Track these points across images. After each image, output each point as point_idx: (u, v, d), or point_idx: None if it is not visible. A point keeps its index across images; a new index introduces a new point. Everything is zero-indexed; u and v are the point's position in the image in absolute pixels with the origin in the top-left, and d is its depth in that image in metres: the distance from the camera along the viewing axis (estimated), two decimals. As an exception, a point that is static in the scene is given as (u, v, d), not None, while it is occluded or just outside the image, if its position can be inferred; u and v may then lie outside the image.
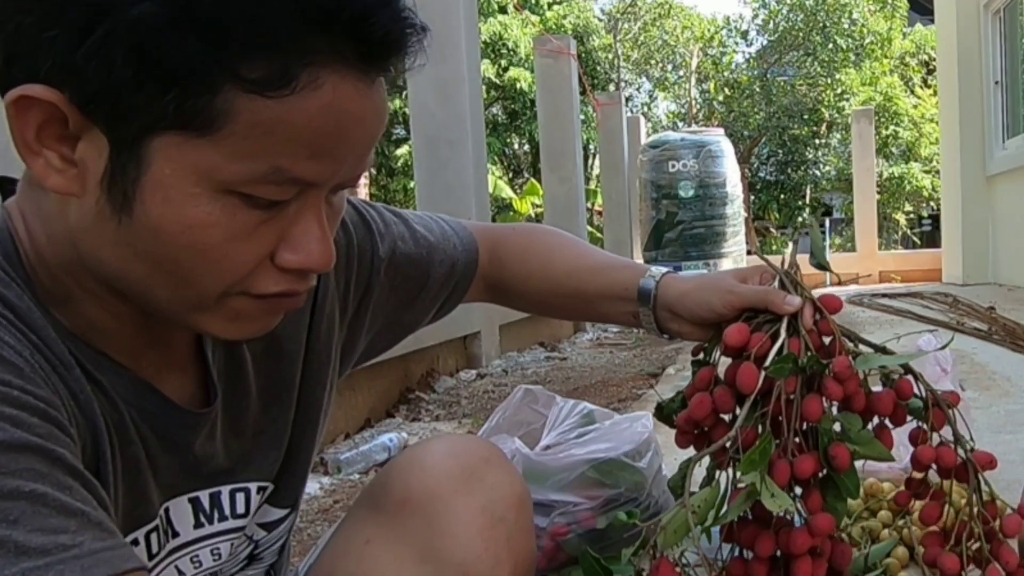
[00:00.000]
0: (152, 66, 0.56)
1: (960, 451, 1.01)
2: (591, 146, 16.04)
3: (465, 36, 4.71)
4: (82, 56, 0.56)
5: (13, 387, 0.55)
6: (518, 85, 15.87)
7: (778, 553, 0.88)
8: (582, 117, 9.22)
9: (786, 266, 0.97)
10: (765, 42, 19.57)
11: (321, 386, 0.85)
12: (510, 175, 18.99)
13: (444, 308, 1.03)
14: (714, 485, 0.86)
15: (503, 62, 16.15)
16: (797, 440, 0.86)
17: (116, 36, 0.55)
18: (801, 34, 18.53)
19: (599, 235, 13.31)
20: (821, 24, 18.26)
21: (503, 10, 16.33)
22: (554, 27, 16.59)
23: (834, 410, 0.90)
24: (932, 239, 17.07)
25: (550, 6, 18.06)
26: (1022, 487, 1.44)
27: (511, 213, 16.29)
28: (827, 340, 0.89)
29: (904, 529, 1.55)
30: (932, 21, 11.07)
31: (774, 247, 18.66)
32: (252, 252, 0.63)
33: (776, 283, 0.94)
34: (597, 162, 13.95)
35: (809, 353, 0.86)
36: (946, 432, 1.00)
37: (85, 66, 0.56)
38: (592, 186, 14.92)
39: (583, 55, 15.47)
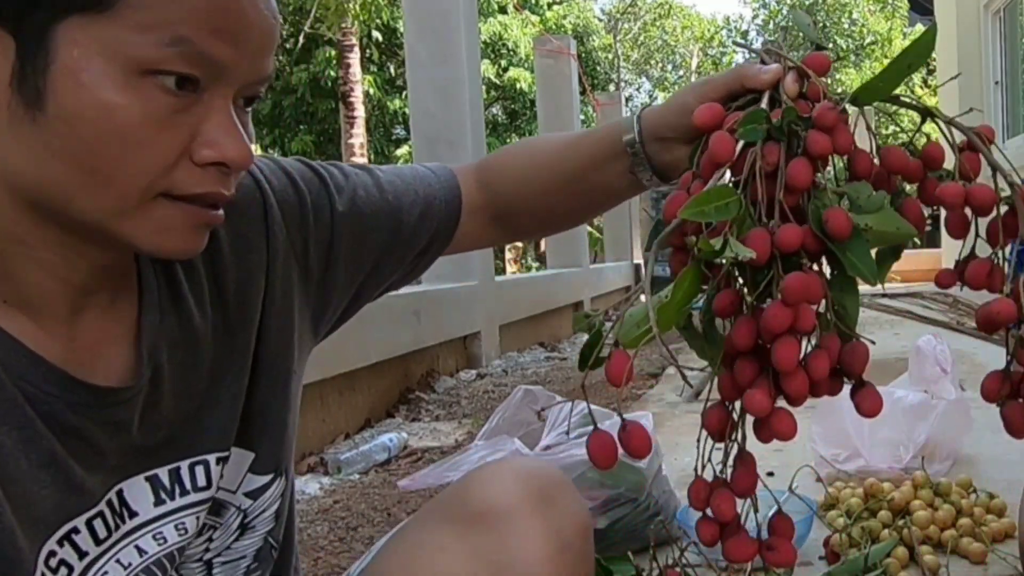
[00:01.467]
0: None
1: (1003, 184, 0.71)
2: (591, 146, 16.02)
3: (465, 36, 4.71)
4: None
5: None
6: (518, 85, 15.87)
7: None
8: (582, 117, 9.21)
9: (775, 45, 0.81)
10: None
11: (283, 350, 0.83)
12: (510, 175, 18.98)
13: (430, 251, 0.97)
14: (681, 274, 0.72)
15: (503, 62, 16.15)
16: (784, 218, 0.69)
17: None
18: (801, 34, 18.55)
19: (599, 235, 13.31)
20: (821, 24, 18.27)
21: (503, 10, 16.33)
22: (554, 27, 16.59)
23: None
24: (932, 239, 17.06)
25: (550, 6, 18.06)
26: (1022, 487, 1.44)
27: (511, 213, 16.28)
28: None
29: (904, 529, 1.55)
30: (932, 21, 11.07)
31: (774, 247, 18.69)
32: (168, 142, 0.61)
33: (759, 62, 0.81)
34: (597, 162, 13.94)
35: (786, 107, 0.71)
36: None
37: None
38: (592, 186, 14.91)
39: (583, 55, 15.47)
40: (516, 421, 1.76)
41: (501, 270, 15.56)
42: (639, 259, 10.42)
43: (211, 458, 0.77)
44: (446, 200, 0.96)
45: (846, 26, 18.36)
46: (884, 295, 7.40)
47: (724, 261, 0.69)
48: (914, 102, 0.76)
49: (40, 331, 0.66)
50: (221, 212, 0.67)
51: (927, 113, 0.73)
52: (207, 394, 0.77)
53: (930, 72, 16.95)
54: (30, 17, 0.57)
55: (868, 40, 18.34)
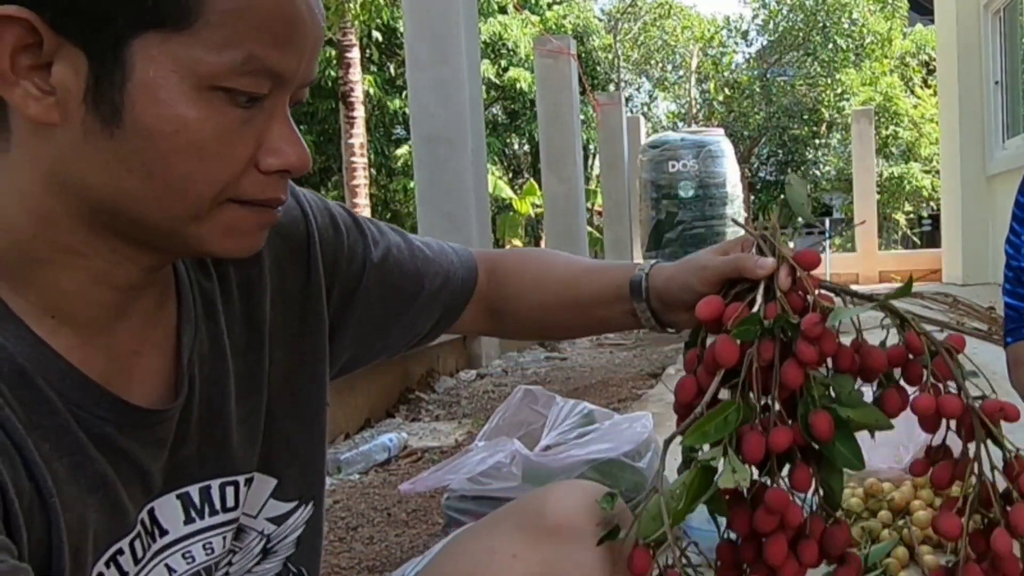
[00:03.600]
0: None
1: (965, 398, 0.83)
2: (591, 146, 16.04)
3: (465, 36, 4.71)
4: None
5: None
6: (518, 85, 15.88)
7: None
8: (582, 117, 9.22)
9: (769, 232, 0.88)
10: (765, 42, 19.58)
11: (313, 382, 0.85)
12: (510, 175, 19.00)
13: (437, 326, 1.01)
14: (692, 467, 0.79)
15: (503, 62, 16.15)
16: (780, 416, 0.78)
17: None
18: (801, 34, 18.54)
19: (599, 235, 13.31)
20: (821, 24, 18.27)
21: (503, 10, 16.33)
22: (554, 27, 16.59)
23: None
24: (932, 239, 17.07)
25: (550, 6, 18.06)
26: (1022, 487, 1.44)
27: (511, 213, 16.29)
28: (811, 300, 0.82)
29: (904, 529, 1.55)
30: (932, 21, 11.07)
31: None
32: (239, 152, 0.63)
33: (755, 249, 0.87)
34: (597, 162, 13.95)
35: (783, 314, 0.79)
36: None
37: None
38: (592, 186, 14.92)
39: (583, 55, 15.47)
40: (516, 421, 1.76)
41: (501, 270, 15.54)
42: (639, 259, 10.43)
43: (241, 479, 0.78)
44: (463, 279, 1.00)
45: (846, 26, 18.33)
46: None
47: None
48: (895, 308, 0.86)
49: (83, 344, 0.66)
50: (280, 212, 0.70)
51: (903, 320, 0.85)
52: (234, 412, 0.77)
53: (930, 72, 16.95)
54: (104, 33, 0.58)
55: (868, 40, 18.32)
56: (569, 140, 7.61)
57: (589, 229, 10.57)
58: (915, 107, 17.80)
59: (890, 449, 1.99)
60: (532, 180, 16.59)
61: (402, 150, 15.21)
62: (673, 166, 9.74)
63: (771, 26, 19.20)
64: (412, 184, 7.55)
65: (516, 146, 18.99)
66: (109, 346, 0.68)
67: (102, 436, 0.66)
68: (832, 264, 10.83)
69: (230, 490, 0.77)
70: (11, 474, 0.59)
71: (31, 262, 0.64)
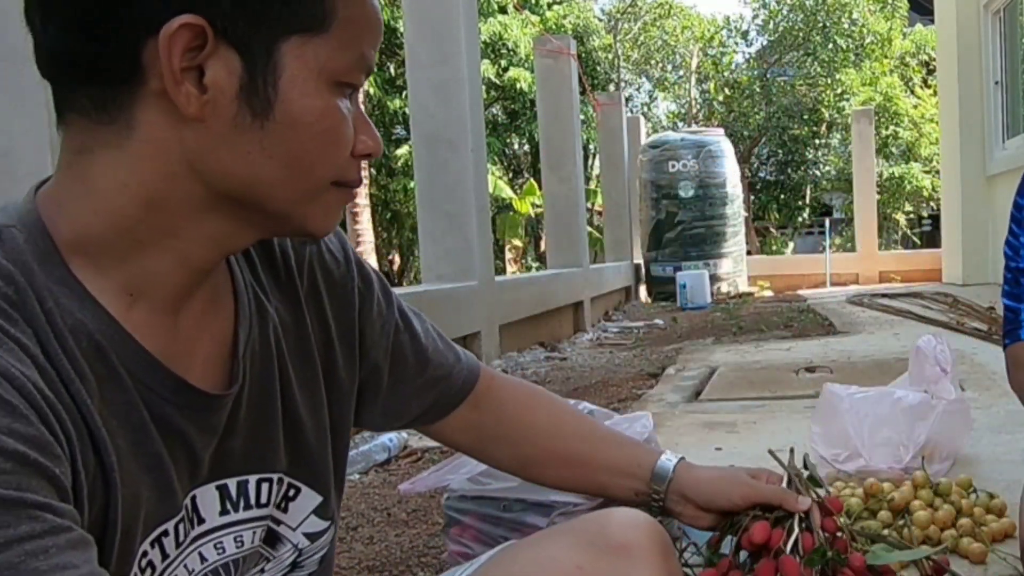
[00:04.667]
0: None
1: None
2: (591, 146, 16.04)
3: (465, 36, 4.71)
4: None
5: None
6: (518, 85, 15.87)
7: None
8: (582, 117, 9.22)
9: (794, 466, 1.11)
10: (765, 42, 19.57)
11: (346, 411, 0.91)
12: (510, 175, 18.99)
13: (424, 416, 1.04)
14: None
15: (503, 62, 16.15)
16: None
17: None
18: (801, 34, 18.54)
19: (599, 235, 13.31)
20: (821, 24, 18.26)
21: (503, 10, 16.32)
22: (554, 27, 16.58)
23: None
24: (932, 239, 17.06)
25: (550, 6, 18.05)
26: (1022, 487, 1.44)
27: (511, 213, 16.28)
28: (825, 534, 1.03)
29: (904, 529, 1.55)
30: (932, 21, 11.07)
31: (773, 247, 18.67)
32: (350, 138, 0.73)
33: (784, 482, 1.08)
34: (597, 162, 13.95)
35: (834, 549, 1.00)
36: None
37: None
38: (592, 186, 14.92)
39: (583, 55, 15.47)
40: (516, 421, 1.76)
41: (501, 270, 15.57)
42: (639, 259, 10.42)
43: (274, 477, 0.82)
44: (464, 379, 1.05)
45: (846, 26, 18.32)
46: (884, 295, 7.40)
47: None
48: None
49: (153, 323, 0.71)
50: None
51: None
52: (275, 412, 0.81)
53: (930, 72, 16.95)
54: (258, 36, 0.66)
55: (868, 40, 18.32)
56: (569, 140, 7.61)
57: (589, 229, 10.57)
58: (915, 107, 17.80)
59: (890, 449, 1.99)
60: (532, 180, 16.59)
61: (402, 150, 15.20)
62: (673, 166, 9.75)
63: (771, 26, 19.19)
64: (412, 184, 7.55)
65: (516, 146, 18.99)
66: (175, 327, 0.73)
67: (163, 416, 0.70)
68: (832, 264, 10.83)
69: (265, 487, 0.81)
70: (80, 447, 0.62)
71: (128, 244, 0.69)
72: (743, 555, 1.04)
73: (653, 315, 7.76)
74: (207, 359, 0.75)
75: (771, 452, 1.27)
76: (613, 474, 1.10)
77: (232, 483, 0.78)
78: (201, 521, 0.76)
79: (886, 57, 18.40)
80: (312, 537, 0.87)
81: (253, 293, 0.80)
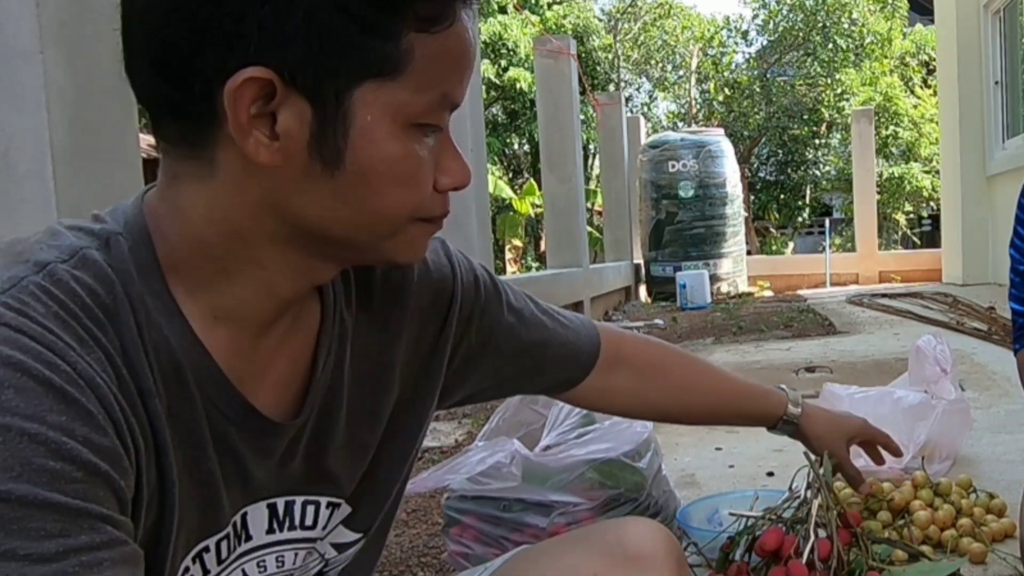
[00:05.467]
0: (354, 24, 0.63)
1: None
2: (591, 146, 16.03)
3: (465, 36, 4.71)
4: (290, 28, 0.62)
5: (75, 436, 0.57)
6: (518, 85, 15.86)
7: None
8: (582, 117, 9.21)
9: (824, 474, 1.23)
10: (765, 42, 19.56)
11: (415, 427, 0.90)
12: (510, 175, 18.99)
13: (550, 390, 1.11)
14: None
15: (503, 62, 16.14)
16: None
17: (322, 4, 0.62)
18: (801, 34, 18.52)
19: (599, 235, 13.31)
20: (821, 24, 18.25)
21: (503, 10, 16.32)
22: (554, 27, 16.57)
23: None
24: (932, 239, 17.05)
25: (550, 6, 18.05)
26: (1022, 487, 1.44)
27: (511, 213, 16.28)
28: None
29: (904, 529, 1.55)
30: (932, 21, 11.07)
31: (773, 247, 18.66)
32: (429, 177, 0.71)
33: (804, 487, 1.19)
34: (597, 162, 13.94)
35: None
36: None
37: (293, 37, 0.62)
38: (592, 186, 14.91)
39: (583, 55, 15.46)
40: (516, 421, 1.76)
41: (501, 270, 15.56)
42: (639, 259, 10.42)
43: (323, 500, 0.82)
44: (588, 355, 1.09)
45: (846, 26, 18.31)
46: (884, 295, 7.40)
47: None
48: None
49: (232, 344, 0.71)
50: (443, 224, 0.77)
51: None
52: (337, 437, 0.81)
53: (930, 72, 16.95)
54: (330, 85, 0.64)
55: (868, 40, 18.30)
56: (569, 140, 7.60)
57: (589, 229, 10.57)
58: (915, 107, 17.79)
59: (890, 449, 1.99)
60: (532, 180, 16.58)
61: (402, 150, 15.18)
62: (673, 166, 9.75)
63: (771, 26, 19.17)
64: (412, 184, 7.53)
65: (516, 146, 18.98)
66: (253, 350, 0.73)
67: (223, 435, 0.71)
68: (832, 264, 10.82)
69: (311, 509, 0.81)
70: (146, 461, 0.64)
71: (215, 271, 0.69)
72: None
73: (653, 315, 7.76)
74: (279, 381, 0.76)
75: (806, 454, 1.30)
76: (744, 420, 1.29)
77: (280, 502, 0.79)
78: (248, 538, 0.77)
79: (886, 57, 18.38)
80: (340, 548, 0.87)
81: (340, 318, 0.80)
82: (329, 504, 0.82)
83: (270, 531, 0.78)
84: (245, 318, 0.72)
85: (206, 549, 0.72)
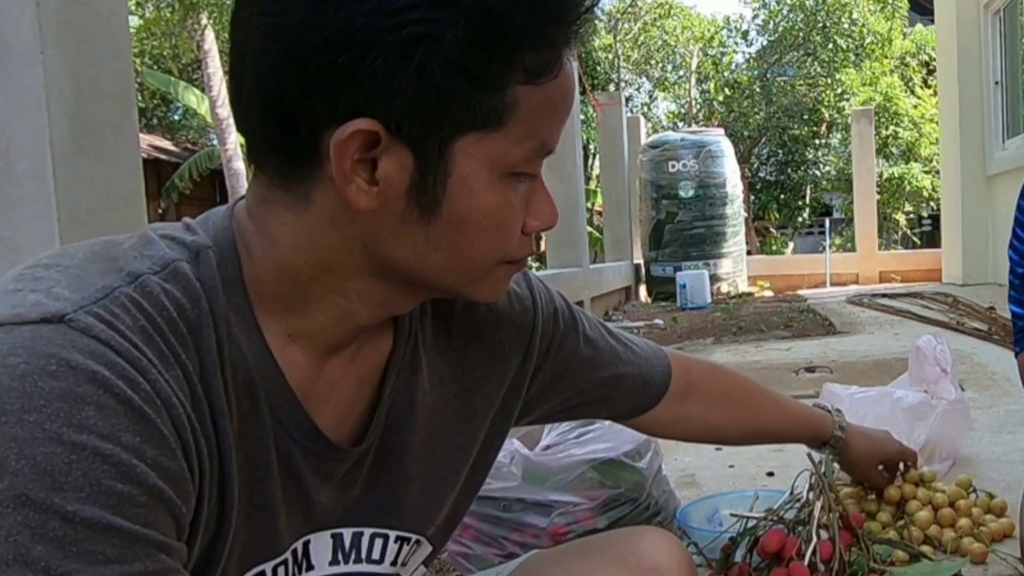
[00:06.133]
0: (464, 78, 0.63)
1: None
2: (591, 146, 16.02)
3: (465, 36, 4.70)
4: (401, 80, 0.62)
5: (145, 458, 0.57)
6: (518, 85, 15.84)
7: None
8: (582, 117, 9.21)
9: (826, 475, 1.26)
10: (765, 42, 19.55)
11: (487, 460, 0.90)
12: (510, 175, 18.95)
13: (619, 418, 1.12)
14: None
15: (503, 62, 16.12)
16: None
17: (434, 58, 0.62)
18: (801, 34, 18.52)
19: (599, 235, 13.30)
20: (821, 24, 18.24)
21: (503, 10, 16.28)
22: (554, 27, 16.54)
23: None
24: (932, 239, 17.05)
25: (550, 6, 18.01)
26: (1022, 487, 1.44)
27: (511, 213, 16.25)
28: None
29: (904, 530, 1.55)
30: (932, 21, 11.07)
31: (773, 247, 18.65)
32: (519, 223, 0.72)
33: (807, 489, 1.22)
34: (597, 162, 13.94)
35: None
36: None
37: (403, 89, 0.62)
38: (592, 186, 14.91)
39: (583, 55, 15.44)
40: (516, 421, 1.76)
41: (501, 270, 15.50)
42: (639, 259, 10.42)
43: (391, 534, 0.81)
44: (659, 386, 1.10)
45: (846, 26, 18.30)
46: (884, 295, 7.40)
47: None
48: None
49: (304, 362, 0.72)
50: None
51: None
52: (407, 468, 0.80)
53: (930, 72, 16.94)
54: (433, 136, 0.64)
55: (868, 40, 18.30)
56: (569, 140, 7.60)
57: (589, 229, 10.57)
58: (915, 107, 17.78)
59: (890, 449, 1.99)
60: (532, 180, 16.55)
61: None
62: (673, 166, 9.75)
63: (771, 26, 19.17)
64: (412, 184, 7.53)
65: (516, 146, 18.95)
66: (320, 370, 0.73)
67: (287, 455, 0.71)
68: (832, 264, 10.82)
69: (378, 542, 0.80)
70: (210, 483, 0.63)
71: (298, 296, 0.70)
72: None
73: (653, 315, 7.75)
74: (344, 405, 0.76)
75: (809, 455, 1.31)
76: (794, 442, 1.33)
77: (347, 533, 0.78)
78: (310, 568, 0.76)
79: (886, 57, 18.38)
80: None
81: (413, 344, 0.80)
82: (398, 539, 0.82)
83: (334, 562, 0.78)
84: (319, 340, 0.72)
85: (262, 574, 0.72)
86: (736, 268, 9.85)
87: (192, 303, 0.65)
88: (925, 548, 1.51)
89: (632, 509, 1.60)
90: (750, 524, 1.19)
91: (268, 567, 0.72)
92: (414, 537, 0.83)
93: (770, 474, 2.11)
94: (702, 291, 8.57)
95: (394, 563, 0.82)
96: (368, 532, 0.79)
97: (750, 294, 9.73)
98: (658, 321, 7.12)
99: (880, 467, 1.53)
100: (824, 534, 1.11)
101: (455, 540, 1.62)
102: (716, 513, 1.65)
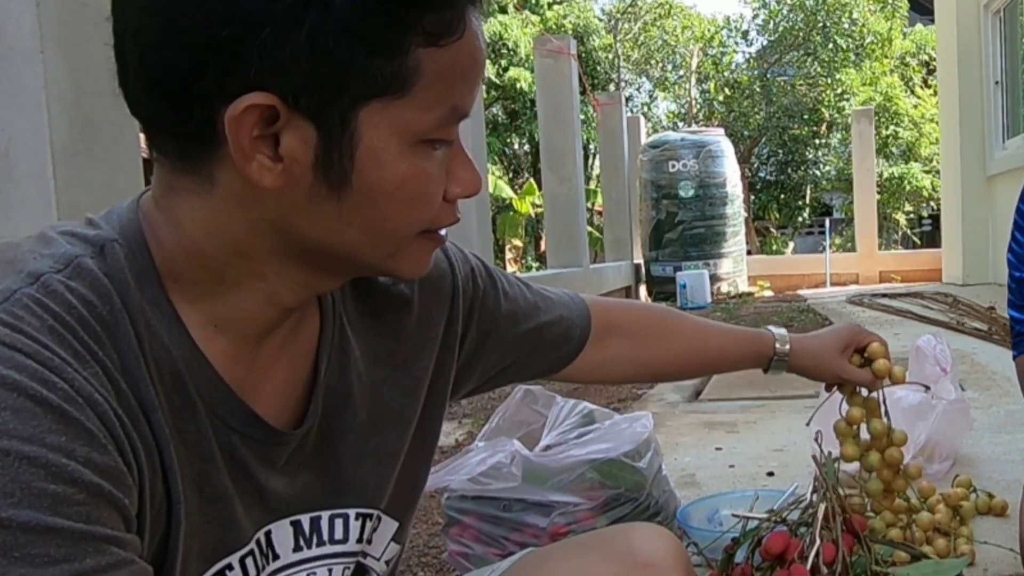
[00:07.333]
0: (359, 43, 0.60)
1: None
2: (591, 146, 16.03)
3: (465, 36, 4.71)
4: (292, 51, 0.59)
5: (75, 456, 0.55)
6: (518, 85, 15.86)
7: None
8: (582, 117, 9.21)
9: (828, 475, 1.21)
10: (765, 42, 19.55)
11: (435, 426, 0.90)
12: (510, 175, 18.98)
13: (549, 370, 1.09)
14: None
15: (503, 62, 16.14)
16: None
17: (325, 25, 0.59)
18: (801, 34, 18.51)
19: (599, 235, 13.30)
20: (821, 24, 18.24)
21: (503, 10, 16.32)
22: (554, 27, 16.57)
23: None
24: (932, 239, 17.05)
25: (550, 6, 18.05)
26: (1022, 487, 1.44)
27: (511, 213, 16.27)
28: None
29: (906, 530, 1.55)
30: (932, 21, 11.07)
31: (774, 247, 18.65)
32: (438, 191, 0.69)
33: (811, 491, 1.19)
34: (597, 162, 13.94)
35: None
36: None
37: (296, 60, 0.59)
38: (592, 186, 14.91)
39: (583, 55, 15.46)
40: (516, 421, 1.76)
41: (502, 270, 15.52)
42: (639, 259, 10.42)
43: (351, 512, 0.80)
44: (581, 330, 1.07)
45: (846, 26, 18.30)
46: (884, 295, 7.40)
47: None
48: None
49: (233, 351, 0.70)
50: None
51: None
52: (353, 447, 0.80)
53: (930, 72, 16.94)
54: (334, 107, 0.62)
55: (868, 40, 18.30)
56: (569, 140, 7.60)
57: (589, 229, 10.57)
58: (915, 107, 17.78)
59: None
60: (532, 180, 16.58)
61: (402, 150, 15.19)
62: (673, 166, 9.74)
63: (771, 26, 19.17)
64: (412, 184, 7.54)
65: (516, 146, 18.98)
66: (252, 358, 0.71)
67: (228, 446, 0.70)
68: (832, 264, 10.82)
69: (339, 522, 0.80)
70: (151, 476, 0.62)
71: (215, 283, 0.68)
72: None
73: (653, 315, 7.75)
74: (280, 389, 0.74)
75: (815, 458, 1.29)
76: (738, 367, 1.25)
77: (305, 519, 0.77)
78: (276, 557, 0.76)
79: (886, 57, 18.38)
80: (389, 563, 0.86)
81: (339, 324, 0.79)
82: (359, 516, 0.81)
83: (297, 549, 0.77)
84: (246, 327, 0.70)
85: (229, 567, 0.71)
86: (736, 268, 9.85)
87: (102, 299, 0.63)
88: (928, 548, 1.51)
89: (632, 509, 1.60)
90: (752, 525, 1.19)
91: (234, 559, 0.71)
92: (375, 512, 0.82)
93: (770, 474, 2.11)
94: (702, 291, 8.57)
95: (359, 540, 0.81)
96: (326, 514, 0.79)
97: (750, 294, 9.72)
98: (658, 321, 7.11)
99: (853, 361, 1.30)
100: (827, 535, 1.11)
101: (455, 540, 1.62)
102: (716, 513, 1.65)
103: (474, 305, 0.93)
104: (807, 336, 1.29)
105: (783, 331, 1.26)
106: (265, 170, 0.63)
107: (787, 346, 1.24)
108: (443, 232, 0.74)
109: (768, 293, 10.14)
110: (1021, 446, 2.29)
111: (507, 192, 16.07)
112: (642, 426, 1.68)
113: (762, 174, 20.41)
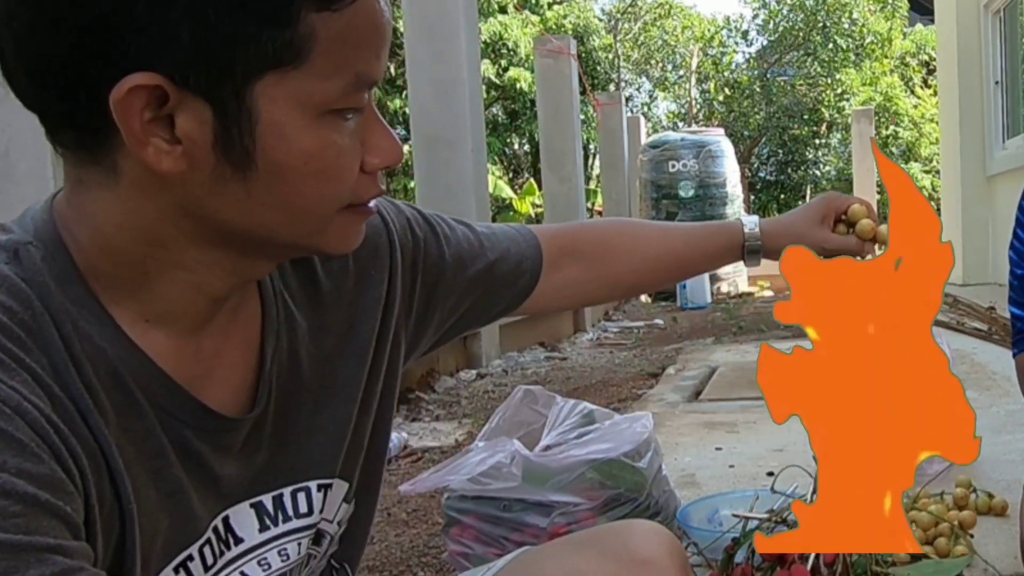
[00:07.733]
0: (243, 13, 0.58)
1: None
2: (591, 146, 16.03)
3: (465, 36, 4.71)
4: (171, 26, 0.57)
5: (7, 468, 0.54)
6: (518, 85, 15.86)
7: None
8: (582, 117, 9.21)
9: None
10: (765, 42, 19.57)
11: (389, 385, 0.88)
12: (510, 175, 18.98)
13: (510, 306, 1.05)
14: None
15: (503, 62, 16.13)
16: None
17: None
18: (801, 34, 18.52)
19: (599, 235, 13.30)
20: (821, 24, 18.26)
21: (503, 10, 16.31)
22: (554, 27, 16.57)
23: None
24: (932, 239, 17.02)
25: (550, 6, 18.04)
26: (1022, 487, 1.44)
27: (511, 213, 16.28)
28: None
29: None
30: (932, 21, 11.07)
31: (774, 247, 18.65)
32: (353, 163, 0.66)
33: (811, 491, 1.19)
34: (597, 162, 13.94)
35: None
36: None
37: (176, 35, 0.57)
38: (592, 186, 14.91)
39: (583, 55, 15.46)
40: (516, 421, 1.76)
41: (501, 270, 15.52)
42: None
43: (312, 485, 0.80)
44: (533, 260, 1.03)
45: (846, 26, 18.32)
46: (884, 295, 7.39)
47: None
48: None
49: (172, 347, 0.68)
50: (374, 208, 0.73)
51: None
52: (308, 421, 0.79)
53: (930, 72, 16.94)
54: (225, 83, 0.59)
55: (868, 40, 18.31)
56: (569, 140, 7.61)
57: (589, 229, 10.57)
58: (915, 107, 17.79)
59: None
60: (532, 180, 16.58)
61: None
62: (673, 166, 9.75)
63: (771, 26, 19.18)
64: (412, 184, 7.55)
65: (516, 146, 18.98)
66: (195, 349, 0.70)
67: (180, 440, 0.68)
68: (832, 264, 10.82)
69: (302, 496, 0.79)
70: (96, 480, 0.61)
71: (138, 276, 0.66)
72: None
73: (653, 315, 7.75)
74: (229, 377, 0.73)
75: (815, 458, 1.30)
76: (711, 262, 1.16)
77: (267, 499, 0.76)
78: (239, 541, 0.75)
79: (886, 57, 18.39)
80: (342, 523, 0.86)
81: (282, 302, 0.77)
82: (320, 486, 0.80)
83: (264, 529, 0.76)
84: (179, 319, 0.68)
85: (190, 558, 0.70)
86: (736, 268, 9.86)
87: (21, 304, 0.60)
88: (928, 548, 1.51)
89: (632, 509, 1.60)
90: (752, 525, 1.19)
91: (193, 550, 0.70)
92: (332, 481, 0.82)
93: (770, 474, 2.11)
94: (702, 291, 8.57)
95: (322, 510, 0.81)
96: (288, 491, 0.78)
97: (750, 294, 9.73)
98: (658, 321, 7.12)
99: (838, 230, 1.17)
100: None
101: (455, 540, 1.62)
102: (716, 513, 1.65)
103: (416, 257, 0.90)
104: (778, 218, 1.19)
105: (754, 217, 1.17)
106: (163, 154, 0.60)
107: (757, 229, 1.13)
108: (372, 204, 0.71)
109: (768, 293, 10.14)
110: (1021, 446, 2.29)
111: (507, 192, 16.07)
112: (642, 426, 1.68)
113: (762, 174, 20.41)
